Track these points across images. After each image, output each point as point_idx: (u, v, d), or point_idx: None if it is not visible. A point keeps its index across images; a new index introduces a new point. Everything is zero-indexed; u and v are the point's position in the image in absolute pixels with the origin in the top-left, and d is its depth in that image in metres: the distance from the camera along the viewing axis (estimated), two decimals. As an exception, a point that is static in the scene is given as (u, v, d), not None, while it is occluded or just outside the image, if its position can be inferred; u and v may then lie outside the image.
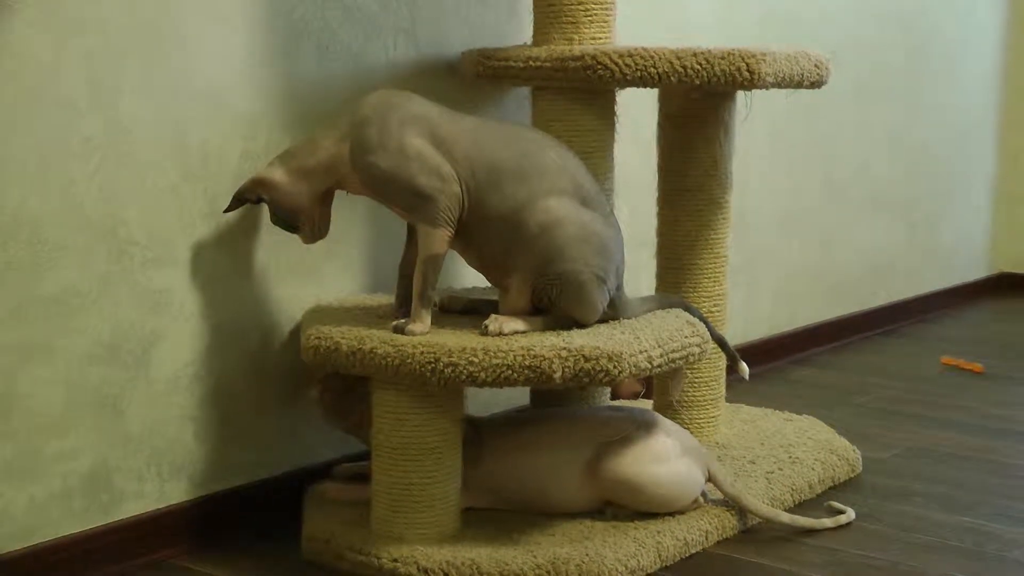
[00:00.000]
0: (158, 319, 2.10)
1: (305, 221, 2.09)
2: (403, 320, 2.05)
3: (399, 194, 2.02)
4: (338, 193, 2.12)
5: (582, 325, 2.07)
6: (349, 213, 2.36)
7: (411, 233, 2.13)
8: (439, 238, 2.02)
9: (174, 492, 2.15)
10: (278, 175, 2.06)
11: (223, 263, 2.18)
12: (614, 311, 2.13)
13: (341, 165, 2.04)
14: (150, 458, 2.11)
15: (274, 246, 2.25)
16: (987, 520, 2.32)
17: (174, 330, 2.12)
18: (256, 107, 2.19)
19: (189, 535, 2.16)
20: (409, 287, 2.11)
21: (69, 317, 1.98)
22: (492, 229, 2.04)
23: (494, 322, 2.02)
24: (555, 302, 2.05)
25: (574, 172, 2.06)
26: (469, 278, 2.59)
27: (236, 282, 2.21)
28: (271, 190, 2.06)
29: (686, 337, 2.11)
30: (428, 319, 2.04)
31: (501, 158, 2.03)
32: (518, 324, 2.03)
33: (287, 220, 2.09)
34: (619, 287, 2.12)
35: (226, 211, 2.10)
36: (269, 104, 2.21)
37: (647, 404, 2.74)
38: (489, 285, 2.47)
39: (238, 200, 2.09)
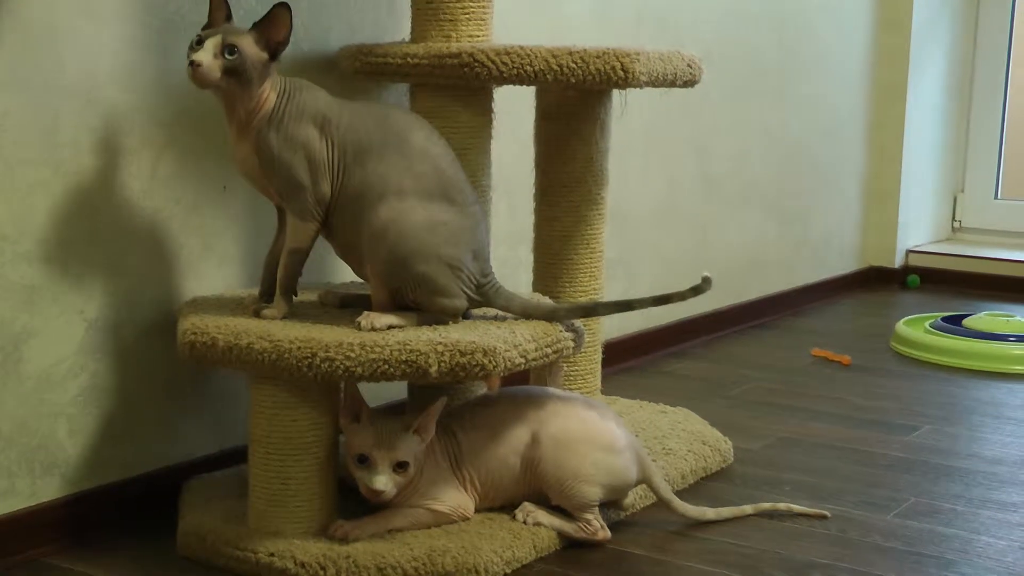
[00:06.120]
0: (29, 315, 2.07)
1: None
2: (263, 304, 2.11)
3: (277, 176, 2.05)
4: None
5: (447, 316, 2.09)
6: (225, 209, 2.35)
7: (281, 225, 2.15)
8: (305, 232, 2.07)
9: (46, 490, 2.13)
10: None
11: (97, 258, 2.16)
12: (485, 299, 2.14)
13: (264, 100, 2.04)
14: (21, 455, 2.09)
15: (149, 243, 2.23)
16: (851, 507, 2.39)
17: (46, 326, 2.10)
18: (130, 101, 2.17)
19: (62, 533, 2.14)
20: (273, 278, 2.13)
21: (-63, 313, 1.95)
22: (348, 210, 2.07)
23: (365, 318, 2.04)
24: (417, 301, 2.08)
25: (435, 158, 2.09)
26: (346, 274, 2.59)
27: (110, 277, 2.18)
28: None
29: (561, 331, 2.14)
30: (285, 307, 2.10)
31: (369, 136, 2.07)
32: (391, 319, 2.05)
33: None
34: (486, 274, 2.14)
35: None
36: (143, 98, 2.19)
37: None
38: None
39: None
